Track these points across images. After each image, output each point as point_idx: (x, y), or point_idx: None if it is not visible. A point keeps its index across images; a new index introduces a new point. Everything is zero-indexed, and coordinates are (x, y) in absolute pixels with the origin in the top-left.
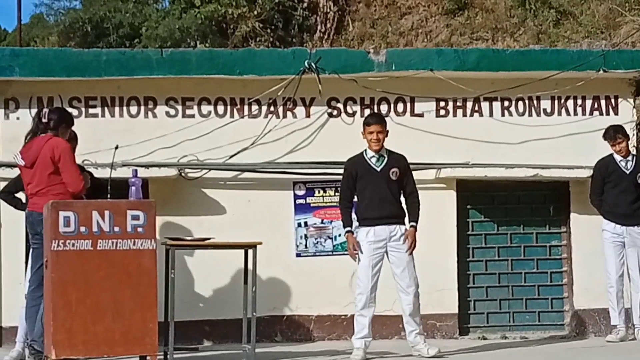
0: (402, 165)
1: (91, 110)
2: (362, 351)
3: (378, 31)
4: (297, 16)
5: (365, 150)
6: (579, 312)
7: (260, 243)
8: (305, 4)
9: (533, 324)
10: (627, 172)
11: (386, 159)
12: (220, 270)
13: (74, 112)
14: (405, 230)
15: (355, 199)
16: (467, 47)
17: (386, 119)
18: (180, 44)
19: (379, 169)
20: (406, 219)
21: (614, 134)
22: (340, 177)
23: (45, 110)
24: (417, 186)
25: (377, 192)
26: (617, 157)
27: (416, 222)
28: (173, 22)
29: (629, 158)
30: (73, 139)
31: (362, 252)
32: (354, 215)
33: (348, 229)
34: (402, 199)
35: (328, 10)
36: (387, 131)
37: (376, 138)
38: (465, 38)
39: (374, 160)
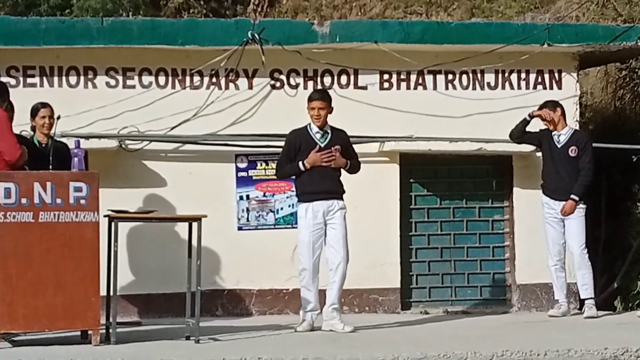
0: (344, 142)
1: (29, 80)
2: (309, 324)
3: (312, 4)
4: None
5: (310, 124)
6: (521, 287)
7: (205, 216)
8: None
9: (475, 299)
10: (559, 145)
11: (330, 135)
12: (161, 244)
13: (12, 81)
14: (343, 205)
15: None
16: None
17: (330, 91)
18: (112, 16)
19: (323, 145)
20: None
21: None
22: None
23: None
24: (360, 159)
25: (318, 168)
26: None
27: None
28: None
29: (563, 131)
30: (10, 109)
31: (301, 228)
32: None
33: (301, 163)
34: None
35: None
36: (332, 108)
37: (317, 114)
38: (399, 12)
39: (318, 135)
